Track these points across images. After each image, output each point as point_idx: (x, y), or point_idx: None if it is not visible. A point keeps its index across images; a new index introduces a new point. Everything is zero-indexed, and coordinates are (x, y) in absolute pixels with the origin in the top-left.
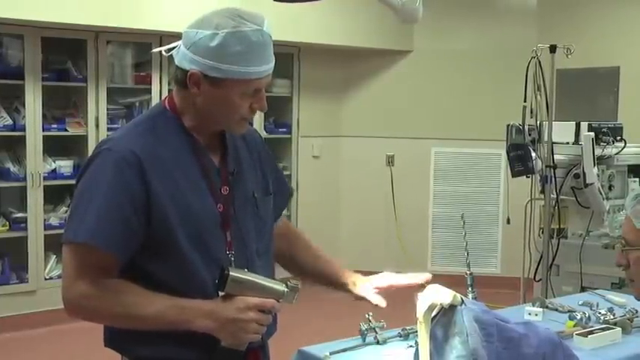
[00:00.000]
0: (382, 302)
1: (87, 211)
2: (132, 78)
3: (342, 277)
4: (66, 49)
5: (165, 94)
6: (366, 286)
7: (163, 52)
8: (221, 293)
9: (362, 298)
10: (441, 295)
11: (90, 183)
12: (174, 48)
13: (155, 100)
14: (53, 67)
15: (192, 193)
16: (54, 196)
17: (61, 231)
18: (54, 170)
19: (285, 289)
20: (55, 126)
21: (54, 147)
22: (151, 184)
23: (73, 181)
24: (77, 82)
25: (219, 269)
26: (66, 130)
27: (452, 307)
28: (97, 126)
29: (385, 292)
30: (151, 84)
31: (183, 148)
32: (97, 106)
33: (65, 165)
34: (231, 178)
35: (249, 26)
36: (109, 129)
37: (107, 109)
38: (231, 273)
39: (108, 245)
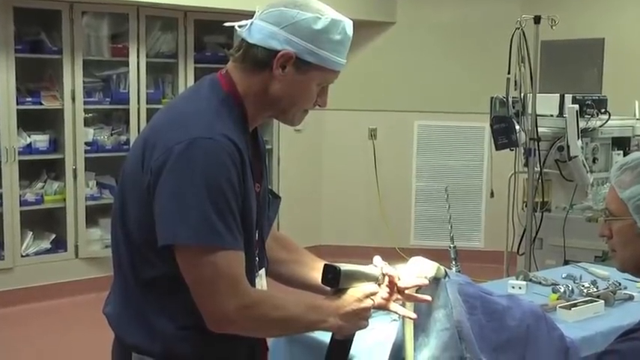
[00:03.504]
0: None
1: (221, 211)
2: (108, 50)
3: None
4: (39, 20)
5: (143, 66)
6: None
7: (236, 27)
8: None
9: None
10: (424, 268)
11: (205, 177)
12: (244, 25)
13: (133, 72)
14: (26, 39)
15: (251, 189)
16: (29, 171)
17: (38, 207)
18: (29, 145)
19: (381, 273)
20: (29, 99)
21: (29, 121)
22: (247, 179)
23: (49, 156)
24: (52, 54)
25: (326, 266)
26: (41, 104)
27: (436, 280)
28: (74, 99)
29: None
30: (128, 56)
31: (244, 138)
32: (73, 78)
33: (41, 140)
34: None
35: (344, 18)
36: (85, 102)
37: (83, 82)
38: (342, 268)
39: (242, 245)
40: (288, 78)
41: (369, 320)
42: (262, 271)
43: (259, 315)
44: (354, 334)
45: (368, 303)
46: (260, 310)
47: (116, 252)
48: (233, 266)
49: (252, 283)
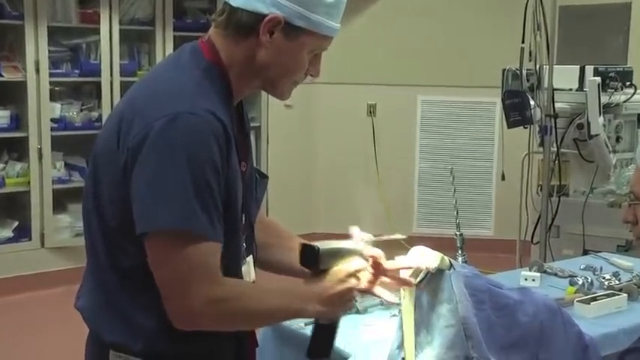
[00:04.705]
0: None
1: (203, 198)
2: (77, 16)
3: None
4: None
5: (116, 34)
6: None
7: None
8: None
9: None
10: (427, 259)
11: (187, 158)
12: None
13: (105, 41)
14: None
15: (237, 169)
16: None
17: (3, 190)
18: None
19: (363, 246)
20: None
21: None
22: (231, 158)
23: (10, 135)
24: (12, 20)
25: (304, 247)
26: (1, 76)
27: (439, 272)
28: (38, 71)
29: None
30: (99, 23)
31: (229, 112)
32: (37, 48)
33: (1, 116)
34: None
35: None
36: (51, 74)
37: (49, 52)
38: (321, 247)
39: (220, 235)
40: (277, 45)
41: (367, 316)
42: (250, 258)
43: (236, 309)
44: (340, 317)
45: (352, 283)
46: (238, 302)
47: (89, 238)
48: (210, 253)
49: (239, 271)
